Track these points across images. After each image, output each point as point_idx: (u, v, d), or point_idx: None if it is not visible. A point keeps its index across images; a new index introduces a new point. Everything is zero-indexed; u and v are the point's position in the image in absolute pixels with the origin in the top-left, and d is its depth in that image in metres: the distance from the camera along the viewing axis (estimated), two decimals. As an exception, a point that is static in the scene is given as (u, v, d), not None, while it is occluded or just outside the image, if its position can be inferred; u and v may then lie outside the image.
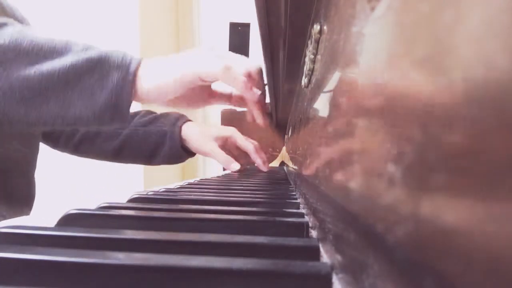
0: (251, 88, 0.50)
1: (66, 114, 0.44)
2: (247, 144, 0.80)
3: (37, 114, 0.44)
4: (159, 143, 0.78)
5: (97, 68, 0.45)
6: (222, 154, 0.78)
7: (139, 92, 0.47)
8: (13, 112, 0.43)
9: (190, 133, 0.78)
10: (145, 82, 0.47)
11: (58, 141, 0.79)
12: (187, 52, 0.51)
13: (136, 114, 0.82)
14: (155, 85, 0.47)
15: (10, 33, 0.44)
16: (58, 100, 0.44)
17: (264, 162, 0.82)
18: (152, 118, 0.80)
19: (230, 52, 0.54)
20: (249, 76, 0.51)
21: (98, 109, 0.45)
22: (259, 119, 0.56)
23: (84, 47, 0.47)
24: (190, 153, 0.82)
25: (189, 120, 0.82)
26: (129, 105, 0.47)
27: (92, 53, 0.46)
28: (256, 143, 0.81)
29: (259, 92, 0.51)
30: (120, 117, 0.47)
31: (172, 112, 0.82)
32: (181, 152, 0.79)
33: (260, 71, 0.54)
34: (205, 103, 0.58)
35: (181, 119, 0.80)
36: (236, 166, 0.77)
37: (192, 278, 0.15)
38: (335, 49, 0.24)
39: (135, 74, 0.46)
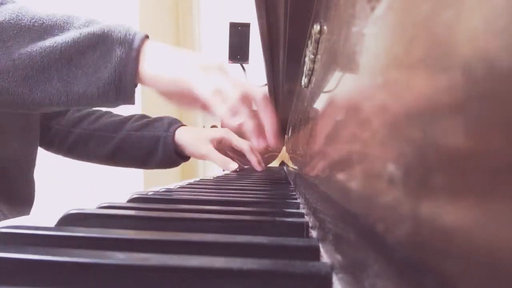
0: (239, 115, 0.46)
1: (70, 91, 0.43)
2: (242, 143, 0.79)
3: (41, 92, 0.43)
4: (152, 148, 0.78)
5: (99, 43, 0.44)
6: (218, 156, 0.77)
7: (139, 71, 0.45)
8: (17, 91, 0.42)
9: (185, 138, 0.78)
10: (146, 64, 0.45)
11: (52, 143, 0.78)
12: (194, 56, 0.48)
13: (129, 118, 0.81)
14: (153, 74, 0.45)
15: (10, 10, 0.43)
16: (61, 77, 0.43)
17: (259, 162, 0.81)
18: (146, 123, 0.79)
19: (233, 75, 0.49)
20: (245, 99, 0.47)
21: (102, 85, 0.44)
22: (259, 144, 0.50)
23: (86, 21, 0.45)
24: (184, 158, 0.81)
25: (183, 125, 0.81)
26: (133, 82, 0.45)
27: (94, 28, 0.44)
28: (250, 142, 0.77)
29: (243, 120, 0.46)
30: (125, 95, 0.45)
31: (165, 116, 0.82)
32: (175, 158, 0.79)
33: (261, 96, 0.49)
34: (199, 108, 0.55)
35: (175, 124, 0.79)
36: (233, 165, 0.77)
37: (192, 278, 0.15)
38: (335, 49, 0.24)
39: (138, 51, 0.45)
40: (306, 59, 0.42)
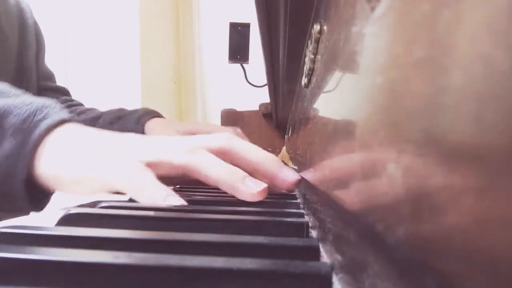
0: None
1: None
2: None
3: None
4: None
5: None
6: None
7: (35, 169, 0.33)
8: None
9: (152, 128, 0.63)
10: (43, 161, 0.33)
11: None
12: (122, 141, 0.35)
13: (104, 112, 0.70)
14: (53, 175, 0.33)
15: None
16: None
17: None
18: (117, 117, 0.68)
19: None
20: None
21: None
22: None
23: None
24: None
25: (158, 116, 0.66)
26: (22, 184, 0.32)
27: None
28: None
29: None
30: (13, 200, 0.33)
31: (142, 108, 0.71)
32: None
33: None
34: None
35: (146, 116, 0.65)
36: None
37: (192, 278, 0.15)
38: (335, 49, 0.24)
39: (37, 144, 0.32)
40: (306, 59, 0.42)
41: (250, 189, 0.30)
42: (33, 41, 0.68)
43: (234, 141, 0.34)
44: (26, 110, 0.33)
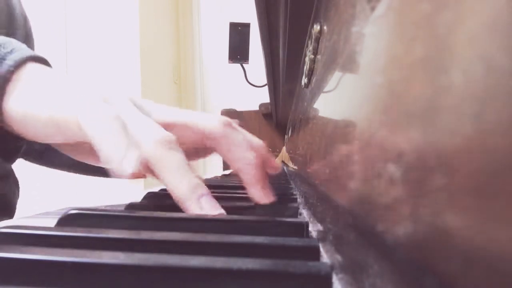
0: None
1: None
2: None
3: None
4: None
5: None
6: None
7: (3, 106, 0.29)
8: None
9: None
10: (13, 97, 0.28)
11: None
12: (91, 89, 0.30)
13: None
14: (21, 111, 0.28)
15: None
16: None
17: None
18: None
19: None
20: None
21: None
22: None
23: None
24: None
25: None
26: None
27: None
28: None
29: None
30: None
31: None
32: None
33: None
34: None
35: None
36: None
37: (192, 278, 0.15)
38: (335, 49, 0.24)
39: (6, 79, 0.28)
40: (306, 59, 0.42)
41: (203, 211, 0.26)
42: (22, 37, 0.58)
43: (230, 130, 0.31)
44: None
